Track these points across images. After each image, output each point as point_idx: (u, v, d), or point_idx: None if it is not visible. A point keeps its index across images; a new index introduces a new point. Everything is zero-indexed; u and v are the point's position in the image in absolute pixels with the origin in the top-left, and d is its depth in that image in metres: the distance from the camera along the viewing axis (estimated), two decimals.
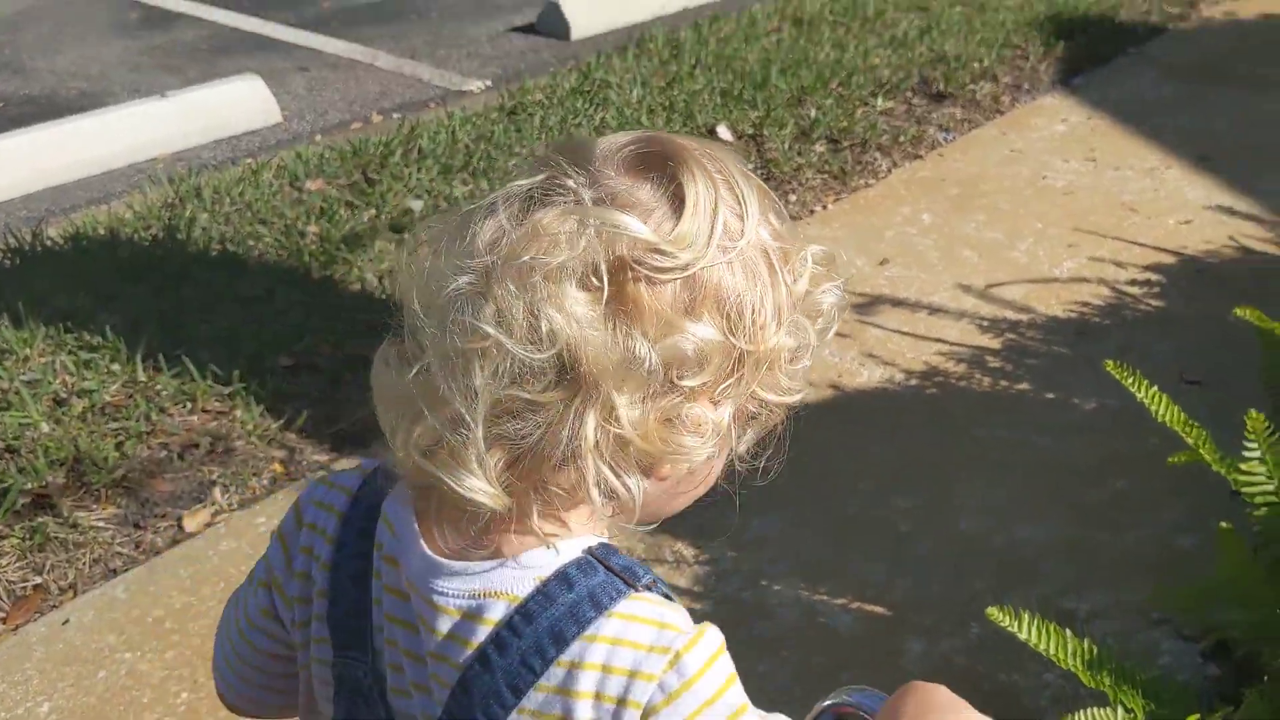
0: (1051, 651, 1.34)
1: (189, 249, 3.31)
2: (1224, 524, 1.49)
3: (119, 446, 2.55)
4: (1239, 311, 1.76)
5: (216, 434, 2.61)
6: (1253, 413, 1.48)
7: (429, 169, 3.79)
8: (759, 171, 3.85)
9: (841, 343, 2.98)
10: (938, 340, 3.02)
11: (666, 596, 0.77)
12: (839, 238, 3.56)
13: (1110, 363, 1.61)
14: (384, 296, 3.09)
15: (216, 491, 2.48)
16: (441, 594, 0.75)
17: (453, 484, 0.71)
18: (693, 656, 0.73)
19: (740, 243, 0.72)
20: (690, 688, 0.72)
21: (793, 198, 3.77)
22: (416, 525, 0.77)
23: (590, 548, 0.76)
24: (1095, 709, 1.27)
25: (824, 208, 3.77)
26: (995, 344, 3.00)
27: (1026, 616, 1.40)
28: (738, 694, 0.74)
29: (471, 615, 0.75)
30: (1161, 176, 3.94)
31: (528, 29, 5.80)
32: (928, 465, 2.57)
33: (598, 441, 0.70)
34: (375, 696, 0.81)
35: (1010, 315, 3.13)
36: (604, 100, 4.41)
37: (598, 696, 0.73)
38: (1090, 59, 4.99)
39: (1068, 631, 1.38)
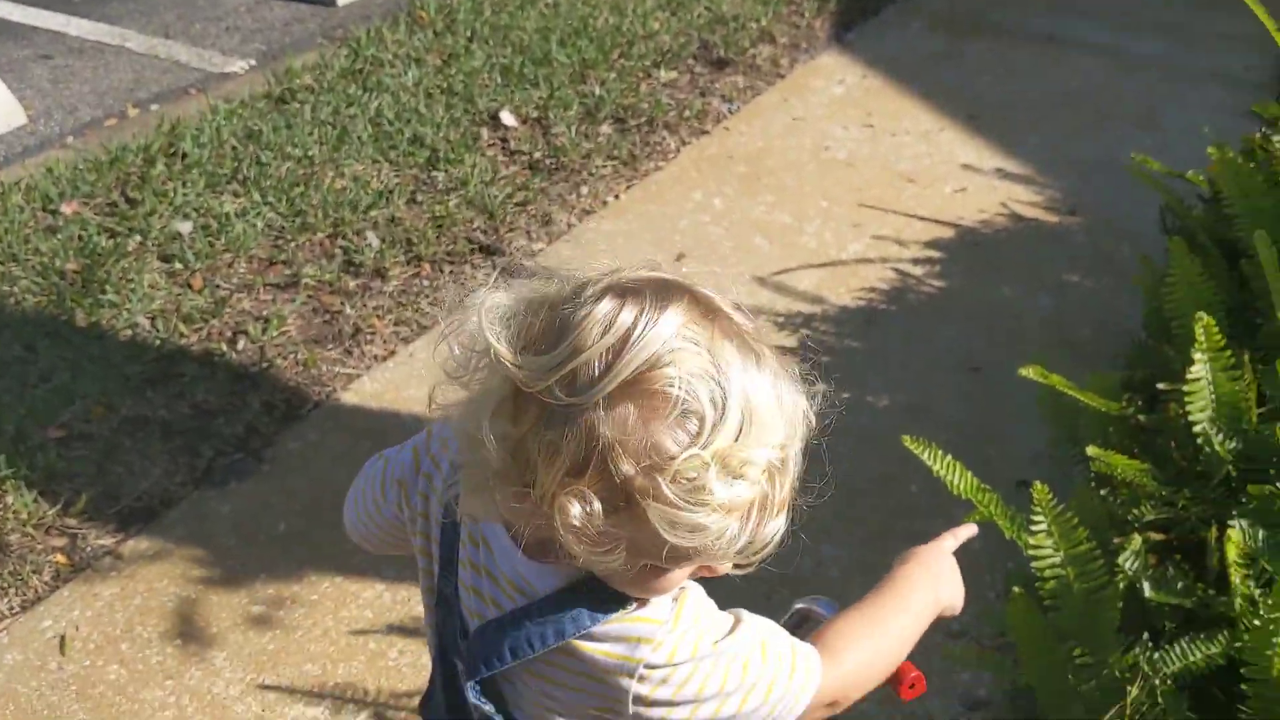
0: None
1: None
2: (1017, 589, 1.56)
3: None
4: (1023, 371, 1.82)
5: None
6: (1037, 485, 1.56)
7: (195, 181, 3.55)
8: (549, 161, 3.79)
9: None
10: None
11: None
12: (634, 231, 3.54)
13: (907, 438, 1.65)
14: (158, 342, 2.91)
15: None
16: (504, 564, 0.97)
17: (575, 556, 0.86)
18: (658, 656, 0.94)
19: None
20: (665, 679, 0.94)
21: (584, 190, 3.72)
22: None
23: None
24: None
25: (616, 198, 3.73)
26: (791, 341, 3.06)
27: None
28: (704, 661, 0.95)
29: (515, 587, 0.97)
30: (936, 140, 4.07)
31: None
32: None
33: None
34: (456, 606, 1.03)
35: (804, 308, 3.19)
36: (378, 85, 4.22)
37: (588, 676, 0.95)
38: (861, 10, 5.08)
39: None
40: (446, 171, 3.69)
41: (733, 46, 4.60)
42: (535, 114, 4.08)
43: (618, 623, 0.94)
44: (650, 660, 0.94)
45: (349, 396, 2.81)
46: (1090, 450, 1.62)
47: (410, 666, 2.18)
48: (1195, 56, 4.72)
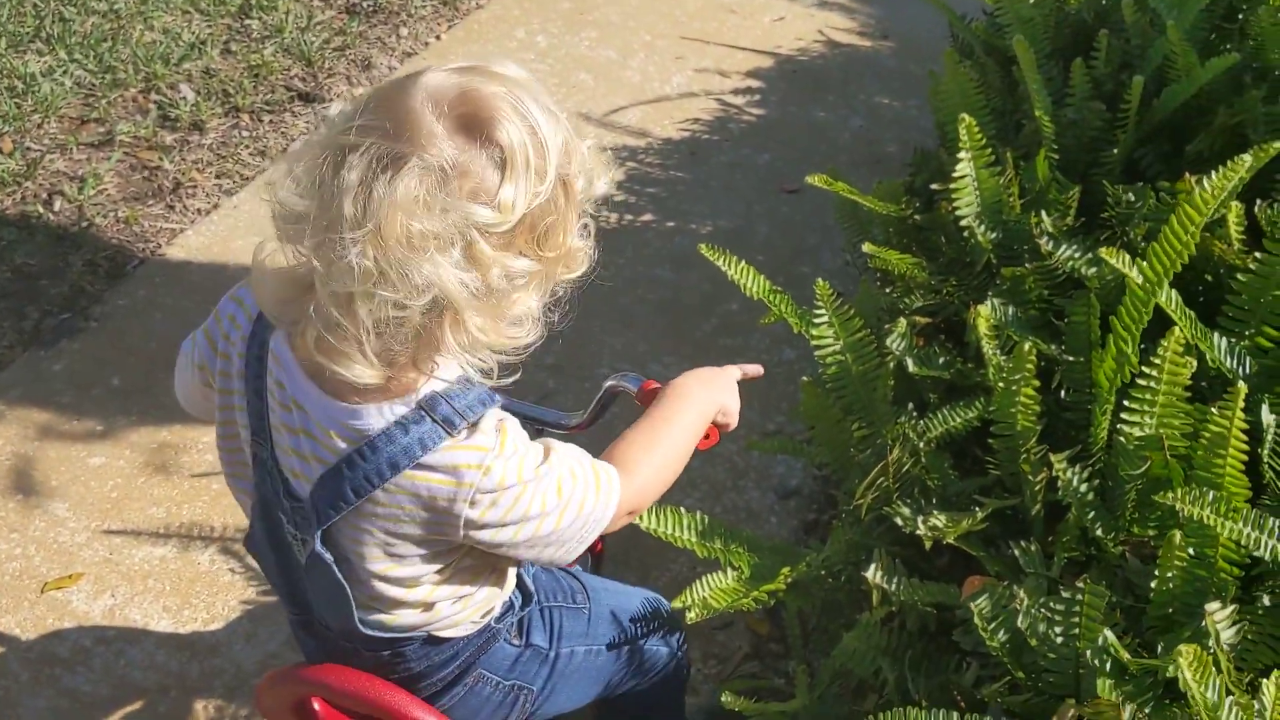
0: (669, 533, 1.55)
1: None
2: (805, 379, 1.72)
3: None
4: (810, 179, 1.94)
5: None
6: (819, 282, 1.69)
7: None
8: (367, 4, 3.72)
9: None
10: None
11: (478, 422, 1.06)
12: None
13: (704, 246, 1.76)
14: None
15: None
16: (323, 419, 1.05)
17: (345, 374, 0.98)
18: (487, 481, 1.04)
19: (545, 186, 0.98)
20: (494, 502, 1.05)
21: (404, 32, 3.67)
22: (299, 365, 1.05)
23: (421, 400, 1.03)
24: (711, 575, 1.49)
25: (437, 39, 3.70)
26: (620, 176, 3.12)
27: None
28: (528, 485, 1.07)
29: (340, 436, 1.04)
30: None
31: None
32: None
33: (457, 344, 0.99)
34: (275, 471, 1.11)
35: (630, 142, 3.27)
36: None
37: (424, 503, 1.05)
38: None
39: (682, 509, 1.58)
40: (260, 19, 3.59)
41: None
42: None
43: (448, 451, 1.03)
44: (481, 485, 1.04)
45: (174, 251, 2.80)
46: (866, 248, 1.76)
47: None
48: None
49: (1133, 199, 1.71)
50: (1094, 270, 1.61)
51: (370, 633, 1.15)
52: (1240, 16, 2.10)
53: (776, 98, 3.49)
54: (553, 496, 1.08)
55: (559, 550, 1.12)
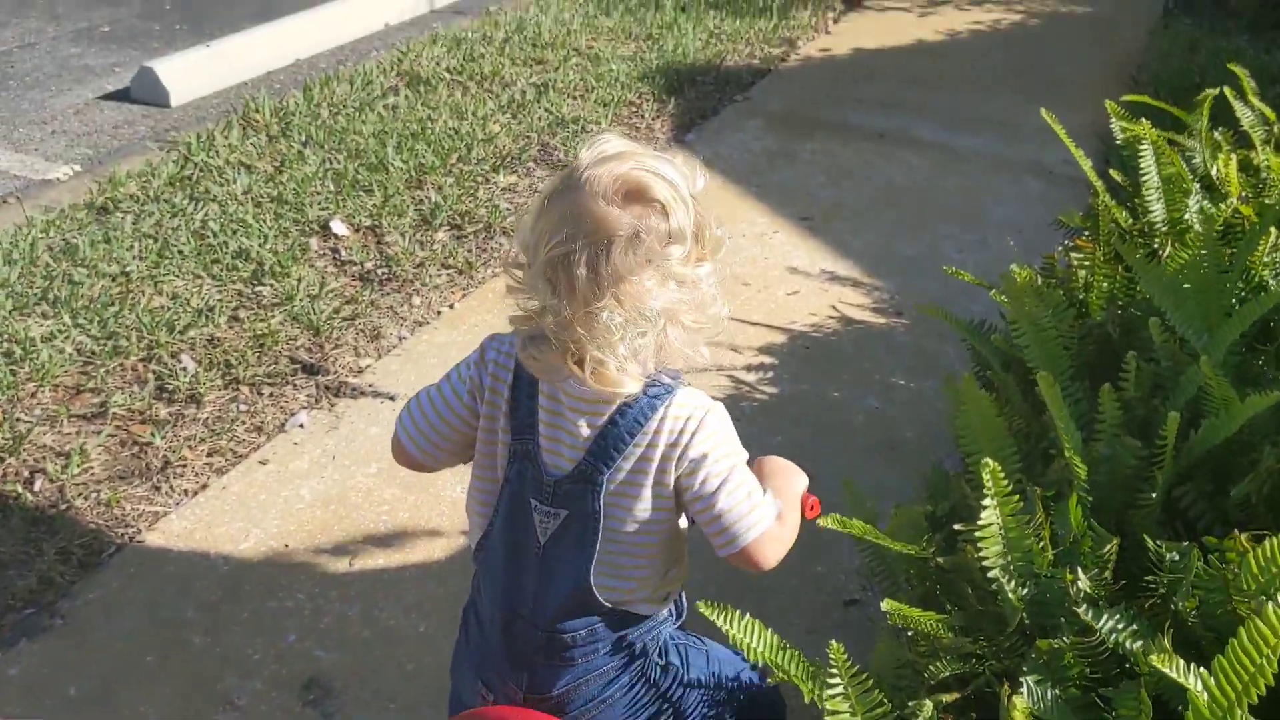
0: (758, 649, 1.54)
1: None
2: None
3: None
4: (822, 523, 1.80)
5: None
6: (833, 644, 1.53)
7: (1, 304, 3.37)
8: (380, 271, 3.71)
9: None
10: None
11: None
12: (468, 343, 3.47)
13: (701, 604, 1.60)
14: None
15: None
16: (589, 403, 1.38)
17: (621, 391, 1.33)
18: (711, 416, 1.39)
19: (690, 207, 1.32)
20: (710, 426, 1.39)
21: (416, 300, 3.65)
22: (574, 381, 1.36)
23: (651, 376, 1.37)
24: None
25: (451, 307, 3.67)
26: None
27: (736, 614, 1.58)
28: (732, 432, 1.43)
29: (604, 412, 1.38)
30: (770, 242, 4.12)
31: (121, 96, 5.33)
32: None
33: (686, 340, 1.36)
34: (536, 458, 1.42)
35: None
36: (205, 193, 4.10)
37: (667, 438, 1.37)
38: (700, 112, 5.17)
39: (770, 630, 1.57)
40: (272, 286, 3.58)
41: (573, 150, 4.62)
42: (368, 222, 4.01)
43: (682, 396, 1.38)
44: (704, 420, 1.39)
45: (154, 537, 2.66)
46: (885, 606, 1.60)
47: None
48: (1016, 150, 4.92)
49: (1177, 558, 1.56)
50: (1139, 645, 1.45)
51: (599, 595, 1.42)
52: (1277, 341, 2.00)
53: (789, 374, 3.40)
54: (741, 468, 1.42)
55: (733, 521, 1.39)
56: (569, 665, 1.46)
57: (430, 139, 4.59)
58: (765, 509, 1.42)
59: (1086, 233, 2.74)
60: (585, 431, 1.39)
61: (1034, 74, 5.80)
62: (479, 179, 4.36)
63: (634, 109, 5.09)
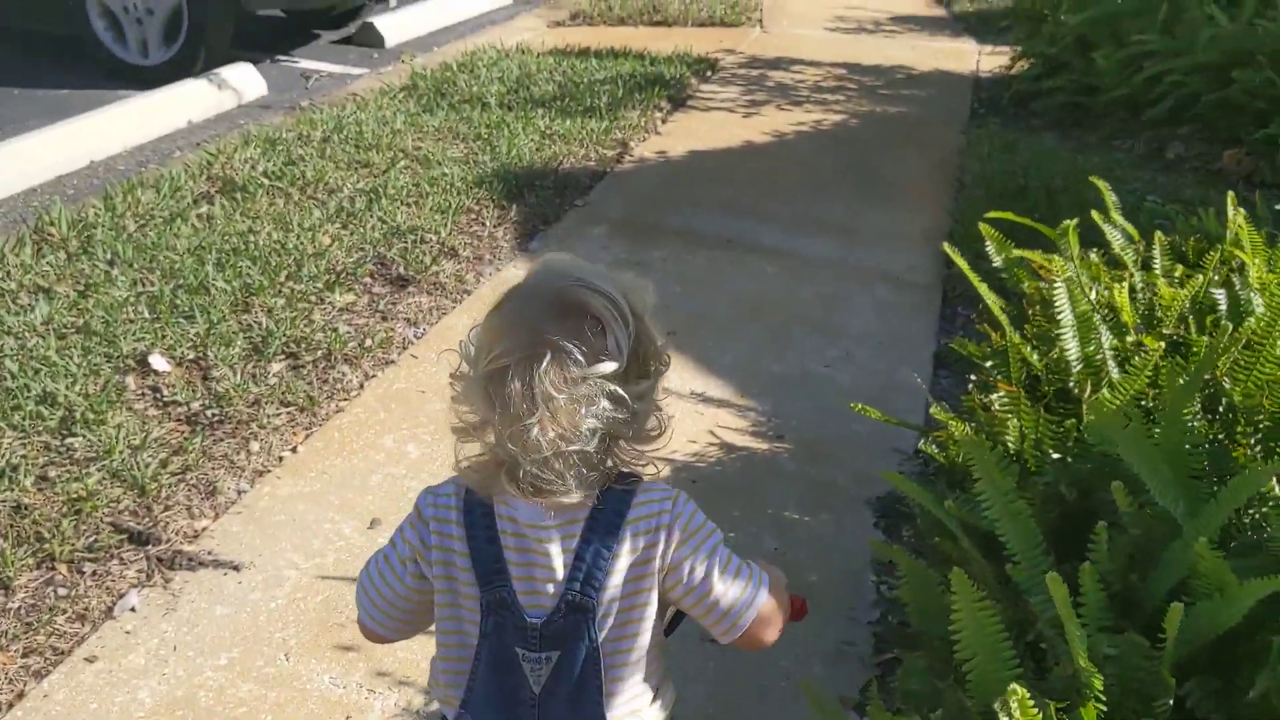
0: None
1: None
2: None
3: None
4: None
5: None
6: None
7: None
8: (211, 413, 3.31)
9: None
10: None
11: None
12: (317, 493, 3.11)
13: None
14: None
15: None
16: (548, 526, 1.36)
17: (562, 501, 1.31)
18: (682, 500, 1.41)
19: (630, 324, 1.32)
20: (683, 514, 1.40)
21: (254, 446, 3.25)
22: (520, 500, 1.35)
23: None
24: None
25: (293, 451, 3.29)
26: None
27: None
28: (701, 514, 1.43)
29: (569, 533, 1.36)
30: None
31: None
32: None
33: (627, 457, 1.37)
34: (514, 605, 1.37)
35: None
36: None
37: (650, 534, 1.37)
38: (542, 218, 4.96)
39: None
40: (85, 436, 3.12)
41: (413, 263, 4.32)
42: (192, 354, 3.59)
43: (647, 486, 1.38)
44: (678, 502, 1.39)
45: None
46: None
47: None
48: (862, 255, 4.91)
49: None
50: None
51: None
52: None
53: None
54: (722, 548, 1.43)
55: (731, 603, 1.41)
56: None
57: (254, 255, 4.20)
58: (758, 584, 1.44)
59: (994, 367, 2.65)
60: (561, 558, 1.35)
61: (864, 176, 5.87)
62: (313, 299, 4.00)
63: (473, 216, 4.84)
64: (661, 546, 1.35)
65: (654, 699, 1.45)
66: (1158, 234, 3.19)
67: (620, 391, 1.27)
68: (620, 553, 1.34)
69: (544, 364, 1.24)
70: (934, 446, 2.30)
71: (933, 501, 1.91)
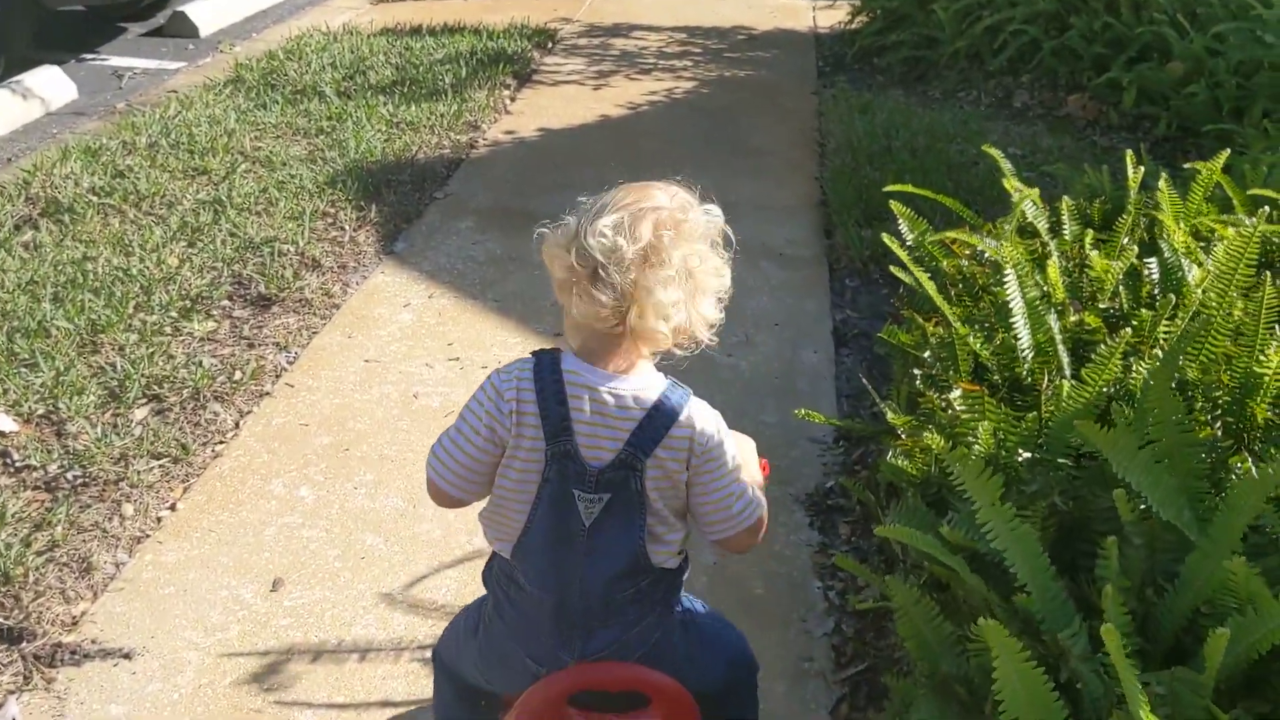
0: None
1: None
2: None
3: None
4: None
5: None
6: None
7: None
8: (72, 475, 2.96)
9: None
10: (383, 704, 2.44)
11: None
12: (207, 556, 2.80)
13: None
14: None
15: None
16: (619, 392, 1.61)
17: (654, 347, 1.62)
18: (721, 424, 1.66)
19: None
20: (721, 432, 1.66)
21: (128, 509, 2.91)
22: (590, 363, 1.62)
23: (667, 385, 1.65)
24: None
25: (173, 509, 2.96)
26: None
27: None
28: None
29: (639, 404, 1.61)
30: None
31: None
32: None
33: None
34: (576, 456, 1.61)
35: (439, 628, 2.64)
36: None
37: (694, 433, 1.63)
38: (404, 216, 4.66)
39: None
40: None
41: (273, 279, 3.97)
42: (41, 408, 3.20)
43: (691, 404, 1.63)
44: (704, 410, 1.65)
45: None
46: None
47: None
48: (742, 230, 4.68)
49: None
50: None
51: (652, 560, 1.67)
52: None
53: None
54: (740, 468, 1.69)
55: (737, 506, 1.68)
56: (618, 624, 1.69)
57: (95, 285, 3.79)
58: (758, 500, 1.70)
59: (937, 359, 2.54)
60: (624, 426, 1.60)
61: (725, 145, 5.74)
62: (169, 331, 3.63)
63: (330, 220, 4.50)
64: (703, 446, 1.62)
65: (679, 541, 1.70)
66: (1064, 199, 3.14)
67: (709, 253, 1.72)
68: (673, 437, 1.60)
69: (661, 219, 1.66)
70: (902, 458, 2.17)
71: (931, 544, 1.77)
